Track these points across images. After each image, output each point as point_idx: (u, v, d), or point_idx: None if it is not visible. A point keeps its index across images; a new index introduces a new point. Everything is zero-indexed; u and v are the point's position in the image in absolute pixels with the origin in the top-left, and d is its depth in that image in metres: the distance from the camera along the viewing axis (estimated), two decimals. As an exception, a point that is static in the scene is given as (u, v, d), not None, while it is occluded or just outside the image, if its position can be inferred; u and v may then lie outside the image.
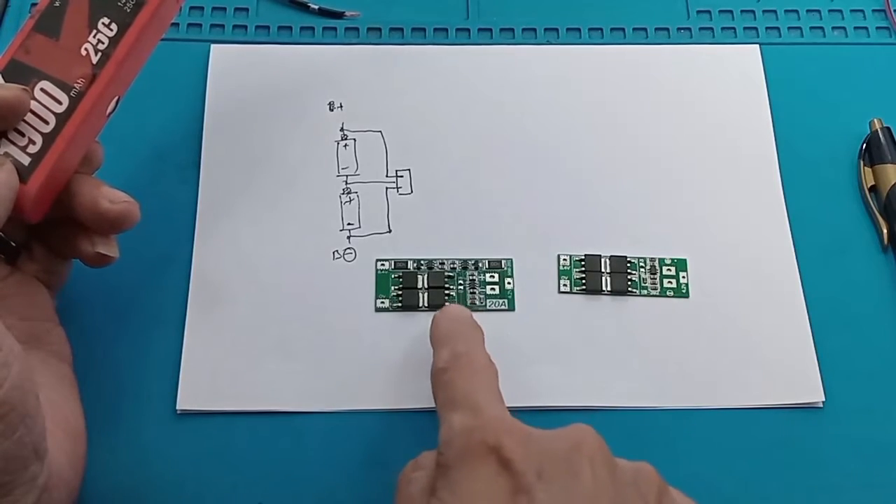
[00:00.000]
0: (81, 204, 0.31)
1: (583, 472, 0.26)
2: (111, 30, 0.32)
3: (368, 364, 0.36)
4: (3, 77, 0.31)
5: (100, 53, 0.32)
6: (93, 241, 0.32)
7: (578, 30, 0.44)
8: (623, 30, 0.44)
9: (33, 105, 0.31)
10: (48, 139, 0.31)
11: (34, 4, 0.43)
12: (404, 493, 0.28)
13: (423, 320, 0.37)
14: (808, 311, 0.38)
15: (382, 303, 0.38)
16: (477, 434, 0.27)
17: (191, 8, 0.44)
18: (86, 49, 0.32)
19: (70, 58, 0.32)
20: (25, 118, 0.31)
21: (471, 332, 0.34)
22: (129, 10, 0.32)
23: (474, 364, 0.32)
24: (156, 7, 0.32)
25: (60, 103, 0.31)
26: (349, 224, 0.39)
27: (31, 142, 0.31)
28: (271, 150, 0.40)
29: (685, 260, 0.39)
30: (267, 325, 0.37)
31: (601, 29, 0.44)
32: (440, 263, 0.38)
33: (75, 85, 0.31)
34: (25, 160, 0.31)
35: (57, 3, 0.32)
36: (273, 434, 0.35)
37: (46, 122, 0.31)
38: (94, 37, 0.32)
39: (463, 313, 0.35)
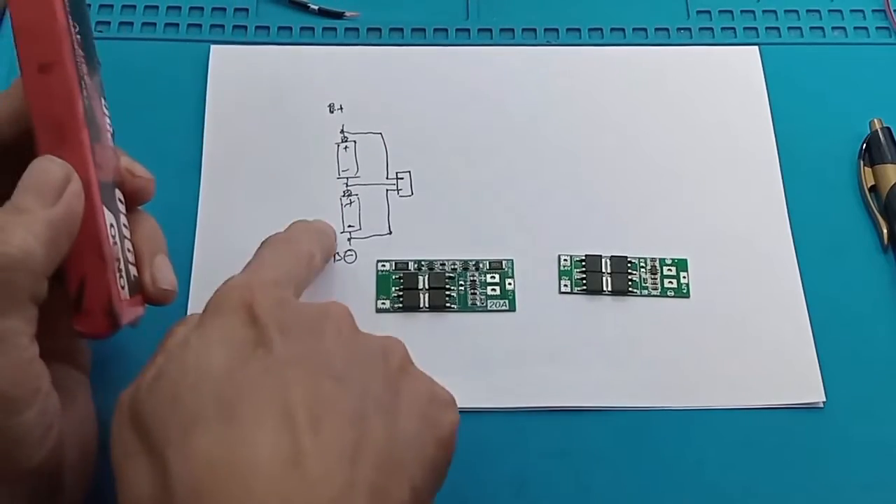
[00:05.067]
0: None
1: (325, 334, 0.27)
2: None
3: (369, 365, 0.36)
4: (106, 207, 0.29)
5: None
6: None
7: (578, 30, 0.44)
8: (623, 30, 0.44)
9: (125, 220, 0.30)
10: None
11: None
12: (164, 345, 0.28)
13: (424, 321, 0.37)
14: (808, 311, 0.38)
15: (383, 304, 0.38)
16: (237, 290, 0.28)
17: (191, 8, 0.44)
18: (109, 133, 0.30)
19: (111, 154, 0.30)
20: (128, 237, 0.30)
21: (321, 237, 0.36)
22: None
23: (293, 247, 0.33)
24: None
25: (123, 202, 0.31)
26: (350, 226, 0.39)
27: (129, 250, 0.30)
28: (272, 151, 0.40)
29: (686, 260, 0.39)
30: (268, 326, 0.37)
31: (601, 29, 0.44)
32: (441, 264, 0.38)
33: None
34: (134, 271, 0.30)
35: (86, 101, 0.28)
36: (274, 435, 0.35)
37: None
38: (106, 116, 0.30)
39: (326, 226, 0.37)
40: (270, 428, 0.24)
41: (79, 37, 0.28)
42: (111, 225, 0.28)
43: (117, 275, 0.28)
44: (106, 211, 0.28)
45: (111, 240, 0.28)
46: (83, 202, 0.27)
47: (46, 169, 0.27)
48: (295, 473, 0.24)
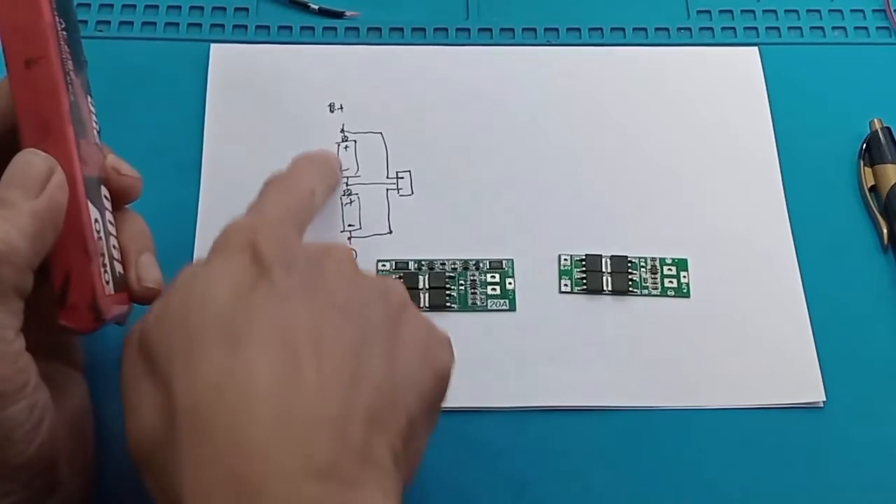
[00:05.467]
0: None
1: (327, 270, 0.28)
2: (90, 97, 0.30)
3: (369, 365, 0.36)
4: (91, 203, 0.29)
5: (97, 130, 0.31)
6: None
7: (578, 30, 0.44)
8: (623, 30, 0.44)
9: (110, 217, 0.30)
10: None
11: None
12: (172, 284, 0.29)
13: (424, 321, 0.37)
14: (808, 311, 0.38)
15: (383, 303, 0.38)
16: (242, 231, 0.29)
17: (191, 8, 0.44)
18: (96, 130, 0.30)
19: (96, 150, 0.30)
20: (113, 234, 0.30)
21: (323, 171, 0.36)
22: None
23: (295, 186, 0.34)
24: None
25: (109, 199, 0.31)
26: (350, 225, 0.39)
27: (115, 247, 0.30)
28: (272, 151, 0.40)
29: (686, 260, 0.39)
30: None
31: (601, 29, 0.44)
32: (441, 264, 0.38)
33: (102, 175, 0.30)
34: (119, 268, 0.30)
35: (72, 98, 0.28)
36: (274, 435, 0.35)
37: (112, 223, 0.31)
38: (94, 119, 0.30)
39: (329, 158, 0.38)
40: (272, 354, 0.25)
41: (64, 33, 0.28)
42: (96, 220, 0.29)
43: (102, 270, 0.28)
44: (91, 206, 0.28)
45: (96, 235, 0.28)
46: (67, 194, 0.27)
47: (30, 161, 0.27)
48: (294, 394, 0.25)
